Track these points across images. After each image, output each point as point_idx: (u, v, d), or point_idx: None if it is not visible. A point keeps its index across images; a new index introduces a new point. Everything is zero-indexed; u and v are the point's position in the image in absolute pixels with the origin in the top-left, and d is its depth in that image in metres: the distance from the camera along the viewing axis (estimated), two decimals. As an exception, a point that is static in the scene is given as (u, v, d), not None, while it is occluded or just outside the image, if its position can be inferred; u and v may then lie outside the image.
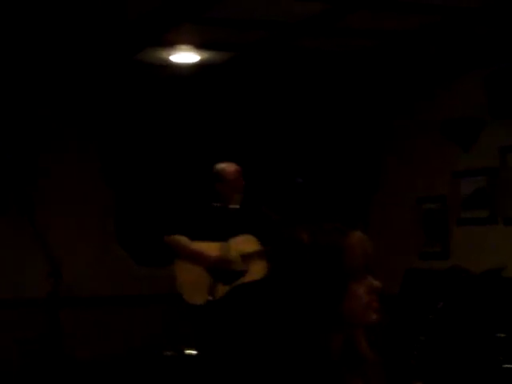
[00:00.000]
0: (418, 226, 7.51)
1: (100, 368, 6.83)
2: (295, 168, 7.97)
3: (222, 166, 6.04)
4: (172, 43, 6.59)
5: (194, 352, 6.15)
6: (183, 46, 6.70)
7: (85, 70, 7.18)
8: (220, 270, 5.73)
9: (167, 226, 6.08)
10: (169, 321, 7.41)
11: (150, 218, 7.53)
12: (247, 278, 5.81)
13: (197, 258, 5.83)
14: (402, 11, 5.89)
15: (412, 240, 7.53)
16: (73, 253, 7.13)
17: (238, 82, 7.78)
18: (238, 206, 5.97)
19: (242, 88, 7.87)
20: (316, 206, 7.60)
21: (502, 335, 5.54)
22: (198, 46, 6.71)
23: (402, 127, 7.78)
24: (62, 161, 7.46)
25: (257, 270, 5.75)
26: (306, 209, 7.44)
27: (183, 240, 5.89)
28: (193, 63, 7.08)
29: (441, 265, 6.88)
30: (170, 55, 6.86)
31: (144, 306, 7.54)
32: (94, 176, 7.58)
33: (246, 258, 5.85)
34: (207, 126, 7.91)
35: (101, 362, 6.91)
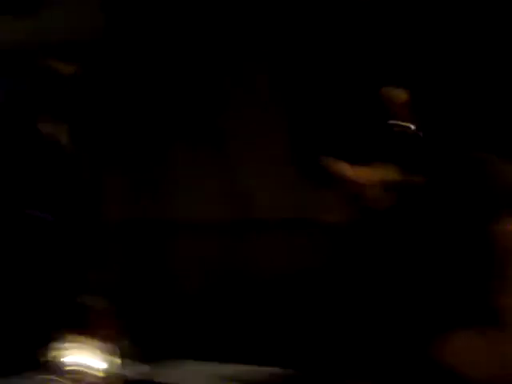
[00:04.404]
0: None
1: (286, 286, 7.00)
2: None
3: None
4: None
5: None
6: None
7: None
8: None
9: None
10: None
11: (325, 142, 7.61)
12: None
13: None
14: None
15: None
16: (256, 177, 7.30)
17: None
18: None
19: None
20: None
21: None
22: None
23: None
24: (247, 93, 7.59)
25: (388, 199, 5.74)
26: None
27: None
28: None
29: None
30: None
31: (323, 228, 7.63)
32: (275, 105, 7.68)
33: (384, 185, 5.78)
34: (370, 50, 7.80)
35: (287, 280, 7.08)
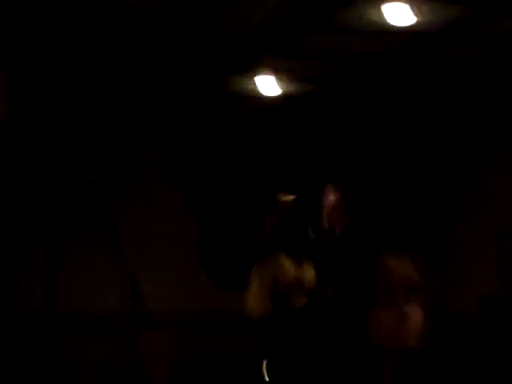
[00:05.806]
0: (496, 261, 7.44)
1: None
2: (376, 195, 8.00)
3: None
4: (255, 74, 6.77)
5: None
6: (267, 78, 6.86)
7: (171, 99, 7.41)
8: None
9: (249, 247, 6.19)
10: (248, 345, 7.44)
11: (229, 241, 7.66)
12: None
13: None
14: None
15: (490, 272, 7.47)
16: (153, 275, 7.26)
17: (321, 113, 7.88)
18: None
19: (325, 119, 7.98)
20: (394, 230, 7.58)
21: None
22: (281, 77, 6.86)
23: (489, 160, 7.74)
24: (145, 183, 7.64)
25: (299, 300, 5.78)
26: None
27: None
28: (276, 95, 7.23)
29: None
30: (254, 86, 7.01)
31: (223, 329, 7.61)
32: (177, 200, 7.74)
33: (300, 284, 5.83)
34: (290, 156, 8.02)
35: (177, 382, 7.01)
